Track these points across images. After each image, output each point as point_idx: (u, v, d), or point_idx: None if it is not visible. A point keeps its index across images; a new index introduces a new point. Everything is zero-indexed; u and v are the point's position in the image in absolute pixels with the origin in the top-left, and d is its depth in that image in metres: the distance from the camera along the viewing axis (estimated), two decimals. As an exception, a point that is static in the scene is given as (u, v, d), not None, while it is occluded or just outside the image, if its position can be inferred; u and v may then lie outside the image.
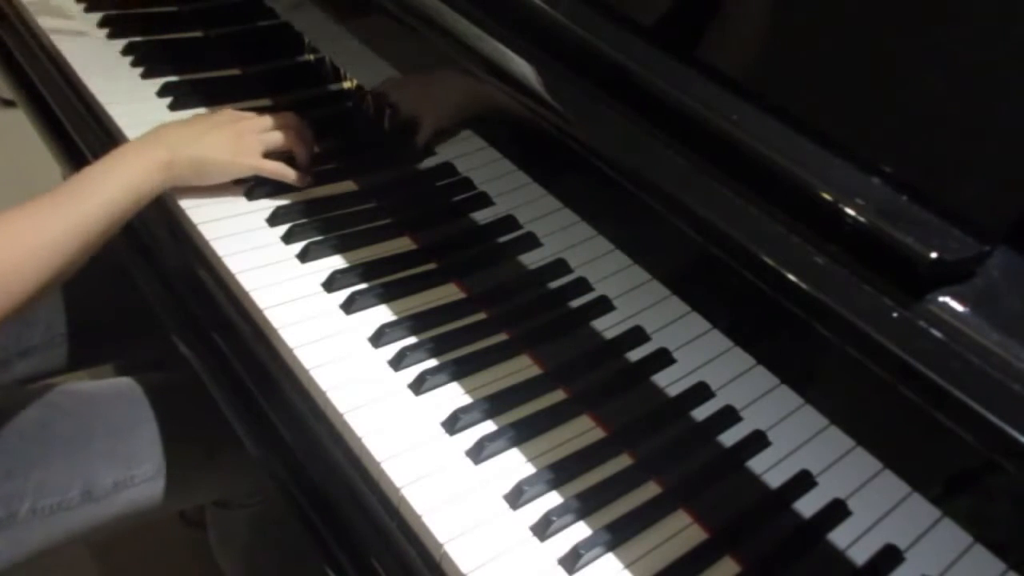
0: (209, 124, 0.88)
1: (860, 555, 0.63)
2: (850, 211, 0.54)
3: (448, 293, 0.83)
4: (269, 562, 1.13)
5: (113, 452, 0.88)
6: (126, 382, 0.93)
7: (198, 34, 1.16)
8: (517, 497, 0.66)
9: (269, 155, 0.90)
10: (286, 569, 1.13)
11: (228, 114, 0.91)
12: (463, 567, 0.62)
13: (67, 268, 0.74)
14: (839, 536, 0.64)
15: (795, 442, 0.66)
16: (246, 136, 0.88)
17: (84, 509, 0.86)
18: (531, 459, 0.70)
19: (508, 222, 0.84)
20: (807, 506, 0.65)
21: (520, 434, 0.71)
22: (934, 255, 0.51)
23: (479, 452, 0.68)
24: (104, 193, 0.77)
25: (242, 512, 1.07)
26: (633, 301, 0.76)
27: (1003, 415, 0.47)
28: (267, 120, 0.91)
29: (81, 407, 0.90)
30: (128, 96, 1.01)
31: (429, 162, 0.90)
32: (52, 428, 0.87)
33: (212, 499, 1.06)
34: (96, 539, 0.92)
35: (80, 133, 1.02)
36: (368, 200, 0.92)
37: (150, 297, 0.91)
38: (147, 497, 0.90)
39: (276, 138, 0.90)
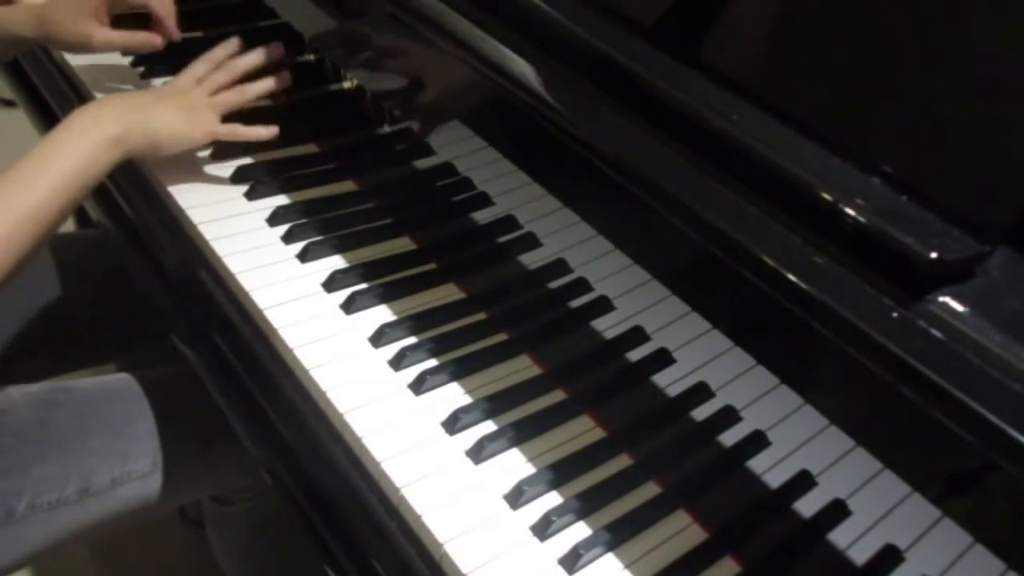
0: (158, 94, 0.86)
1: (860, 555, 0.63)
2: (850, 211, 0.54)
3: (448, 293, 0.83)
4: (268, 560, 1.14)
5: (110, 448, 0.88)
6: (123, 378, 0.93)
7: (198, 34, 1.16)
8: (517, 497, 0.66)
9: (224, 118, 0.88)
10: (286, 567, 1.13)
11: (173, 85, 0.89)
12: (463, 567, 0.62)
13: (24, 257, 0.73)
14: (839, 536, 0.64)
15: (795, 442, 0.66)
16: (198, 105, 0.86)
17: (82, 505, 0.86)
18: (531, 459, 0.70)
19: (508, 222, 0.84)
20: (807, 506, 0.65)
21: (520, 434, 0.71)
22: (934, 255, 0.51)
23: (479, 452, 0.68)
24: (51, 181, 0.74)
25: (240, 508, 1.08)
26: (633, 301, 0.76)
27: (1003, 415, 0.47)
28: (213, 80, 0.89)
29: (78, 404, 0.90)
30: (128, 96, 1.01)
31: (429, 162, 0.90)
32: (49, 426, 0.87)
33: (209, 494, 1.07)
34: (95, 537, 0.92)
35: (80, 133, 1.02)
36: (368, 200, 0.92)
37: (150, 297, 0.91)
38: (145, 492, 0.90)
39: (226, 100, 0.88)
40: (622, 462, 0.71)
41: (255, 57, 0.92)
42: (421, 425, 0.70)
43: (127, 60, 1.07)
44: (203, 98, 0.87)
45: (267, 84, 0.91)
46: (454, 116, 0.84)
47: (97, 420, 0.89)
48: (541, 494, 0.67)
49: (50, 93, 1.07)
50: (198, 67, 0.90)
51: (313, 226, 0.87)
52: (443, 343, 0.77)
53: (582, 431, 0.73)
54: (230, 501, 1.07)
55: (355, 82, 0.98)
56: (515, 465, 0.69)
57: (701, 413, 0.71)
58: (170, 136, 0.84)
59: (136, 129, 0.81)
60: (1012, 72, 0.55)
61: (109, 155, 0.79)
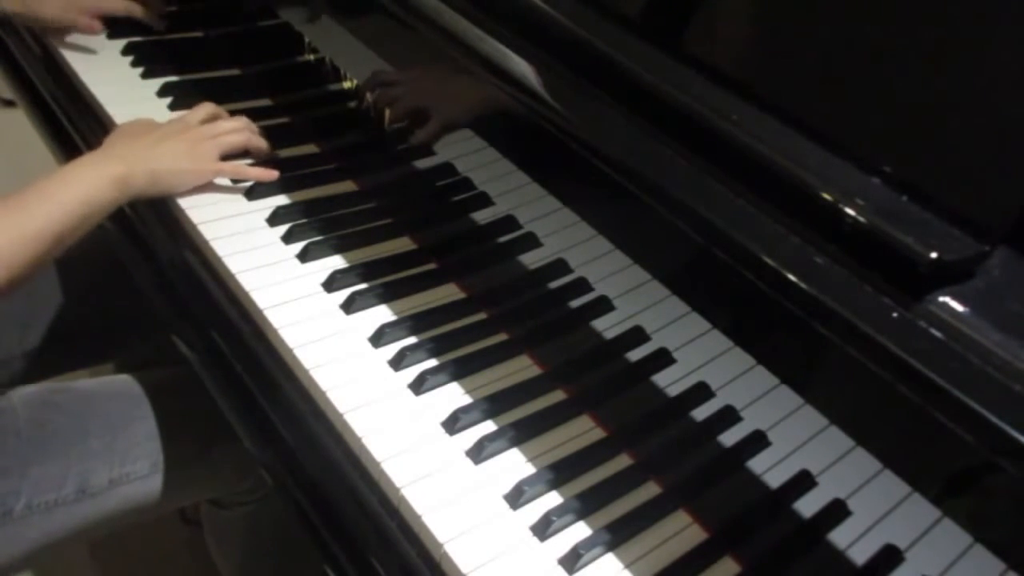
0: (162, 133, 0.88)
1: (860, 555, 0.63)
2: (850, 211, 0.54)
3: (448, 293, 0.83)
4: (266, 562, 1.13)
5: (109, 449, 0.88)
6: (123, 379, 0.94)
7: (198, 34, 1.16)
8: (517, 497, 0.66)
9: (225, 157, 0.90)
10: (284, 569, 1.13)
11: (180, 122, 0.91)
12: (463, 567, 0.62)
13: (18, 277, 0.74)
14: (839, 536, 0.64)
15: (795, 442, 0.66)
16: (201, 143, 0.88)
17: (80, 506, 0.86)
18: (531, 459, 0.70)
19: (508, 222, 0.84)
20: (807, 506, 0.65)
21: (520, 434, 0.70)
22: (934, 255, 0.51)
23: (479, 452, 0.68)
24: (52, 209, 0.76)
25: (238, 512, 1.08)
26: (633, 301, 0.76)
27: (1003, 415, 0.47)
28: (219, 124, 0.91)
29: (78, 405, 0.90)
30: (128, 96, 1.01)
31: (429, 162, 0.90)
32: (48, 426, 0.87)
33: (207, 497, 1.07)
34: (94, 537, 0.92)
35: (80, 133, 1.02)
36: (368, 200, 0.92)
37: (150, 297, 0.91)
38: (143, 494, 0.90)
39: (230, 140, 0.90)
40: (622, 462, 0.71)
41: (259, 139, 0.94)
42: (421, 425, 0.70)
43: (127, 61, 1.07)
44: (205, 138, 0.89)
45: (265, 147, 0.94)
46: (454, 116, 0.84)
47: (96, 421, 0.89)
48: (541, 494, 0.67)
49: (50, 93, 1.07)
50: (208, 107, 0.93)
51: (313, 226, 0.87)
52: (443, 343, 0.77)
53: (582, 431, 0.73)
54: (228, 505, 1.07)
55: (355, 82, 0.98)
56: (515, 465, 0.69)
57: (701, 413, 0.71)
58: (174, 175, 0.86)
59: (139, 170, 0.83)
60: (1012, 72, 0.55)
61: (111, 192, 0.81)
